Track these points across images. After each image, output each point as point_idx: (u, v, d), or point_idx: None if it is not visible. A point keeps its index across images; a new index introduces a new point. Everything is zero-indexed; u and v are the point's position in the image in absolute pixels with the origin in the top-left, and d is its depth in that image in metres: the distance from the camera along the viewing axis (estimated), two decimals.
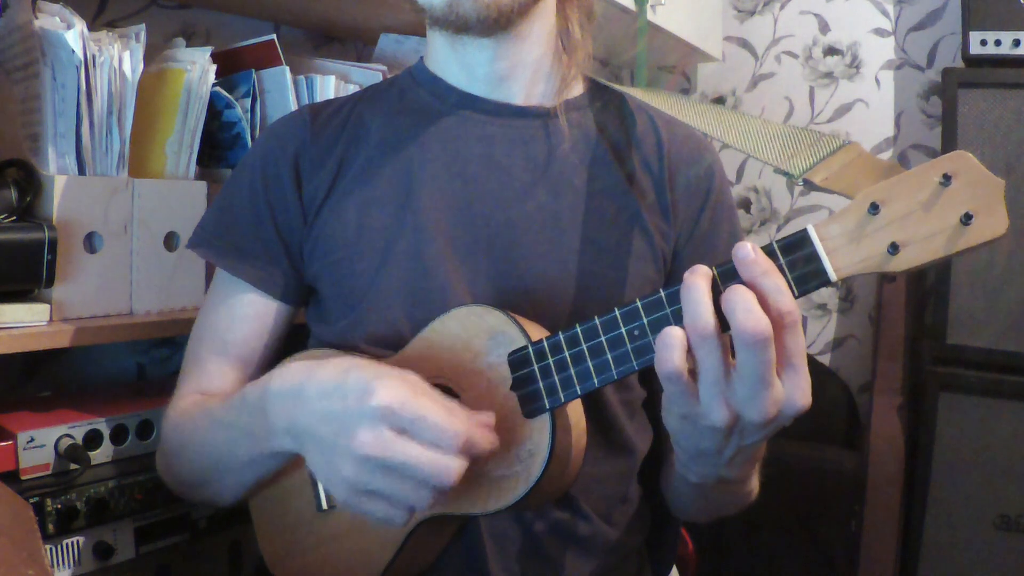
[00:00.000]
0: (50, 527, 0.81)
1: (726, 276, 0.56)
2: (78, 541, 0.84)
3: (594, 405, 0.76)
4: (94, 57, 0.88)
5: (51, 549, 0.81)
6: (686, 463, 0.66)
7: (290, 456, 0.69)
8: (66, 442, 0.86)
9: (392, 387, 0.58)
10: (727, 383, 0.55)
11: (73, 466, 0.86)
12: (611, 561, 0.80)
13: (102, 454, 0.91)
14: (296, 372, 0.65)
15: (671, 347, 0.54)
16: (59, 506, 0.82)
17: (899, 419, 1.68)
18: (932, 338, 1.69)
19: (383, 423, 0.58)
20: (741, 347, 0.53)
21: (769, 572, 1.74)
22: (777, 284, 0.54)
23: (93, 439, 0.90)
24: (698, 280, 0.55)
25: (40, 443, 0.85)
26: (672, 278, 0.82)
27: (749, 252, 0.54)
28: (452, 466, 0.57)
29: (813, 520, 1.70)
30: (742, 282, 0.54)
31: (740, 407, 0.55)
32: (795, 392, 0.55)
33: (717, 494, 0.75)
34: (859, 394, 2.00)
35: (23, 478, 0.84)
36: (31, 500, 0.80)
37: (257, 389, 0.68)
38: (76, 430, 0.88)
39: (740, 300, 0.52)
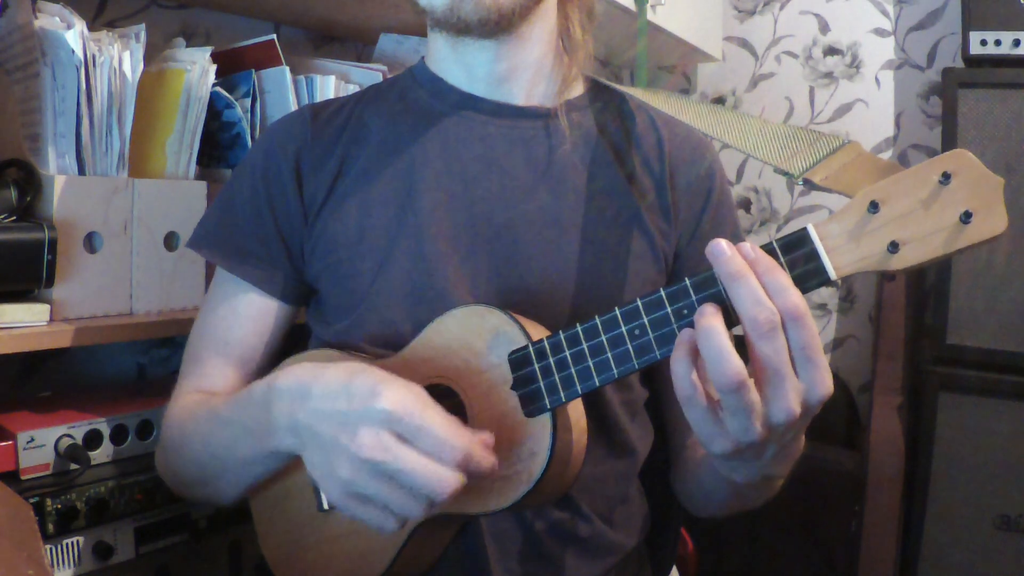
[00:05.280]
0: (50, 527, 0.81)
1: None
2: (78, 541, 0.84)
3: (595, 405, 0.76)
4: (94, 57, 0.88)
5: (51, 549, 0.81)
6: (732, 467, 0.66)
7: (289, 457, 0.69)
8: (66, 442, 0.86)
9: (398, 393, 0.58)
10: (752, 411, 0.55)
11: (73, 466, 0.86)
12: (611, 561, 0.80)
13: (102, 454, 0.91)
14: (303, 372, 0.65)
15: (682, 378, 0.56)
16: (59, 506, 0.82)
17: (899, 419, 1.69)
18: (932, 338, 1.69)
19: (385, 427, 0.57)
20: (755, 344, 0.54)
21: (769, 572, 1.74)
22: (780, 281, 0.54)
23: (93, 439, 0.90)
24: (712, 322, 0.55)
25: (40, 443, 0.85)
26: (673, 278, 0.82)
27: (725, 250, 0.55)
28: (448, 479, 0.57)
29: (813, 520, 1.70)
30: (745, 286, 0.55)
31: (768, 421, 0.56)
32: (815, 385, 0.55)
33: (755, 491, 0.74)
34: (859, 394, 2.00)
35: (23, 478, 0.84)
36: (31, 500, 0.80)
37: (262, 386, 0.68)
38: (76, 430, 0.88)
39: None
